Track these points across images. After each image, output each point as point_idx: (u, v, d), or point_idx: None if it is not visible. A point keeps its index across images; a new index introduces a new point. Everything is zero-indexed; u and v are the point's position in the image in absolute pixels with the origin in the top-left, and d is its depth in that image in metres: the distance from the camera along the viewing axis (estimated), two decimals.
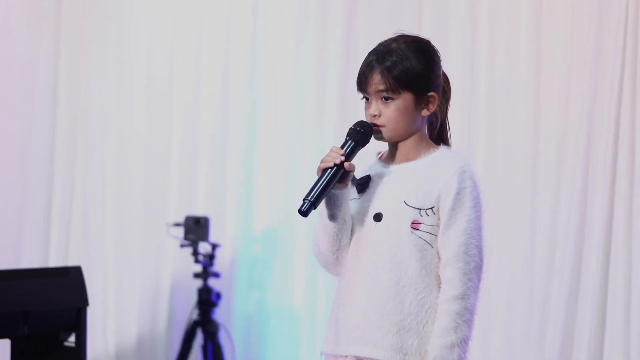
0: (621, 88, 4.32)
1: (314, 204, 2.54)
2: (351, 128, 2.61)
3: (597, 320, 4.32)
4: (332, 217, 2.60)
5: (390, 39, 2.64)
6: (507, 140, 4.68)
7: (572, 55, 4.53)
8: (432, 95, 2.62)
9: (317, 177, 2.56)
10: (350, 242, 2.64)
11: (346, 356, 2.60)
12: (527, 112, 4.63)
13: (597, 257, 4.33)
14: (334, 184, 2.56)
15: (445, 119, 2.71)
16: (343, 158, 2.56)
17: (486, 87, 4.73)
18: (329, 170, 2.56)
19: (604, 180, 4.33)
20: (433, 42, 2.65)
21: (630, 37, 4.31)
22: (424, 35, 2.68)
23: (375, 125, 2.61)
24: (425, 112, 2.63)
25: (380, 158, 2.71)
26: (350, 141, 2.59)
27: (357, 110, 2.69)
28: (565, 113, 4.53)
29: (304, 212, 2.54)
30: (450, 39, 4.78)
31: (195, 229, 5.29)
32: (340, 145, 2.59)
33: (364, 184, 2.64)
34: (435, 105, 2.63)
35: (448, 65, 2.70)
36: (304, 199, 2.54)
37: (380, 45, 2.64)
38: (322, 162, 2.57)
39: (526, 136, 4.63)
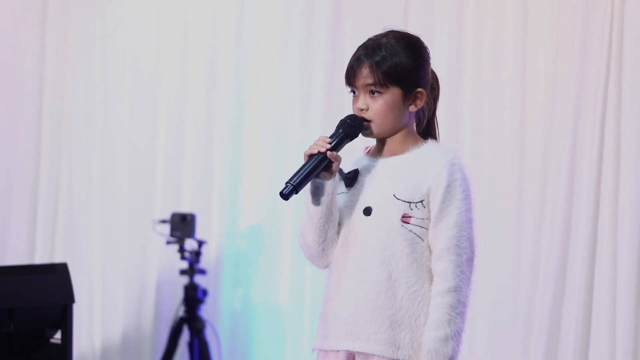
0: (607, 86, 4.31)
1: (296, 188, 2.55)
2: (342, 120, 2.62)
3: (582, 323, 4.29)
4: (318, 204, 2.60)
5: (380, 35, 2.65)
6: (493, 138, 4.67)
7: (558, 52, 4.52)
8: (420, 91, 2.63)
9: (302, 163, 2.57)
10: (338, 236, 2.64)
11: (337, 351, 2.60)
12: (513, 110, 4.62)
13: (583, 258, 4.29)
14: (317, 172, 2.58)
15: (433, 117, 2.72)
16: (329, 146, 2.57)
17: (472, 85, 4.72)
18: (314, 157, 2.57)
19: (589, 179, 4.31)
20: (423, 39, 2.67)
21: (616, 34, 4.30)
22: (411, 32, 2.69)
23: (364, 119, 2.61)
24: (412, 108, 2.64)
25: (367, 152, 2.72)
26: (340, 132, 2.61)
27: (342, 108, 2.70)
28: (551, 111, 4.53)
29: (285, 195, 2.55)
30: (436, 37, 4.77)
31: (181, 225, 5.28)
32: (329, 135, 2.60)
33: (352, 178, 2.66)
34: (423, 102, 2.65)
35: (434, 63, 2.71)
36: (286, 183, 2.56)
37: (369, 40, 2.65)
38: (309, 148, 2.59)
39: (512, 134, 4.62)
